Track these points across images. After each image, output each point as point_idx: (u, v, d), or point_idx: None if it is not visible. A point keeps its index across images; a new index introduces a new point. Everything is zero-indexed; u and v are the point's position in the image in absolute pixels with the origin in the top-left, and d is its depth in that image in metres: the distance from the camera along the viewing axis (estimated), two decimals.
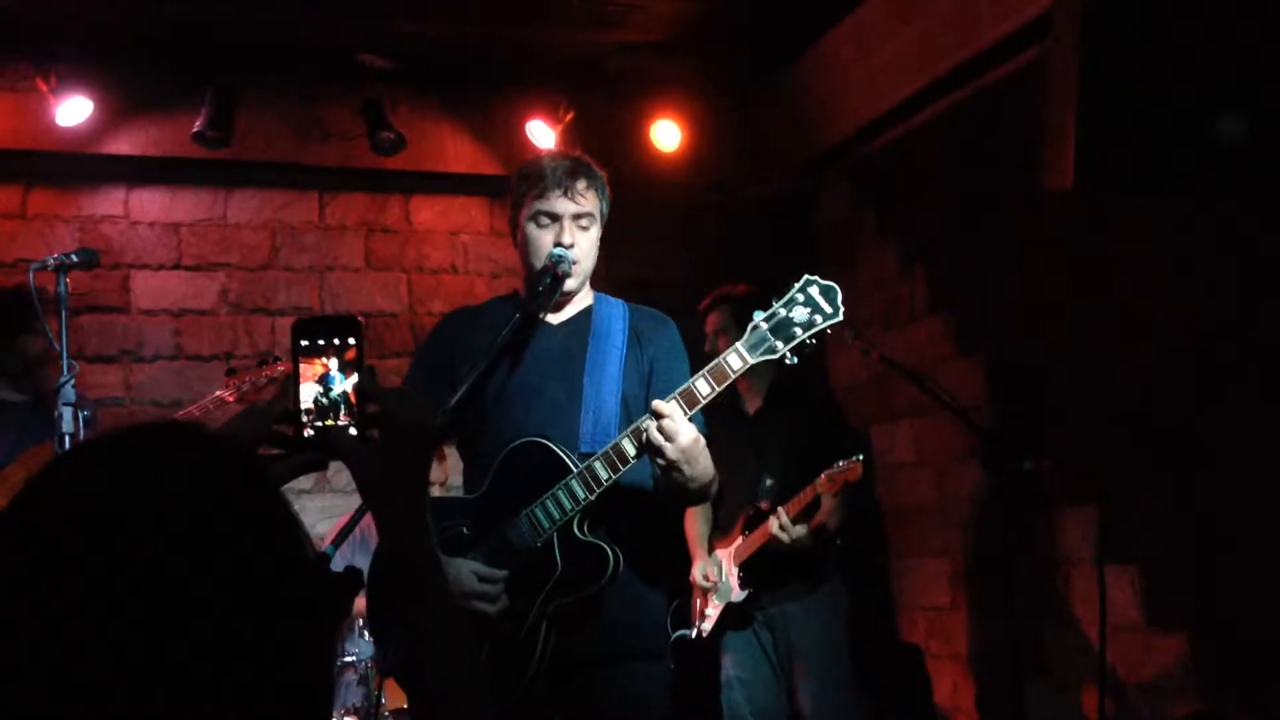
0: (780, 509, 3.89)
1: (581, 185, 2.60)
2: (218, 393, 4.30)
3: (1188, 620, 3.83)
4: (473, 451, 2.67)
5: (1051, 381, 4.42)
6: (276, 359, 4.40)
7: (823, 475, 3.83)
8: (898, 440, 5.29)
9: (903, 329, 5.35)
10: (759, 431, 4.22)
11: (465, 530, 2.52)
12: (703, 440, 2.36)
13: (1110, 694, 3.74)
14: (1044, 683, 4.43)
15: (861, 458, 3.81)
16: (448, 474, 4.38)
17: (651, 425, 2.30)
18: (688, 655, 4.10)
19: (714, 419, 4.40)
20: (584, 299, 2.72)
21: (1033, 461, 4.14)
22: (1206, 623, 3.76)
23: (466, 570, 2.42)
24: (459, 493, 2.78)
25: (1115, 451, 4.04)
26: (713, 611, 4.11)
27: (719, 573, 4.13)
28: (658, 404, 2.31)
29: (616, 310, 2.70)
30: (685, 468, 2.32)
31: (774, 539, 3.87)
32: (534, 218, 2.59)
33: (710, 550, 4.22)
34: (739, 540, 4.11)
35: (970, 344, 4.97)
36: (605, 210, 2.68)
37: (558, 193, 2.57)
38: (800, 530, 3.88)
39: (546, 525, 2.42)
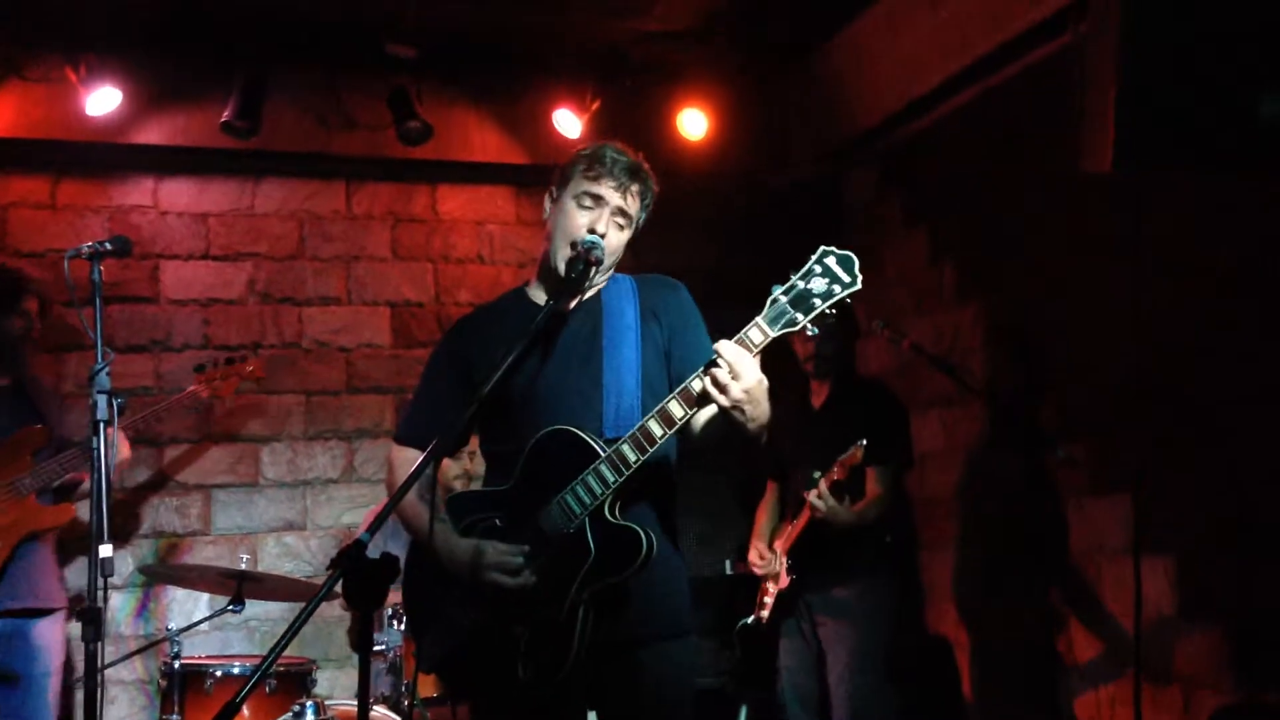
0: (821, 479, 4.03)
1: (635, 187, 2.63)
2: (190, 388, 4.44)
3: (1223, 611, 3.79)
4: (499, 448, 2.67)
5: (1085, 369, 4.37)
6: (244, 359, 4.53)
7: (835, 464, 4.00)
8: (926, 429, 5.24)
9: (932, 317, 5.31)
10: (820, 427, 4.31)
11: (498, 522, 2.54)
12: (766, 382, 2.35)
13: (1144, 686, 3.69)
14: (1076, 674, 4.39)
15: (865, 442, 3.94)
16: (473, 469, 4.38)
17: (720, 368, 2.29)
18: (751, 641, 4.35)
19: (783, 412, 4.56)
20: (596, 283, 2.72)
21: (1065, 449, 4.11)
22: (1243, 614, 3.71)
23: (488, 545, 2.46)
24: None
25: (1149, 439, 3.99)
26: (770, 600, 4.30)
27: (774, 561, 4.29)
28: (722, 345, 2.31)
29: (625, 287, 2.70)
30: (748, 408, 2.32)
31: (813, 509, 4.03)
32: (578, 197, 2.61)
33: (770, 543, 4.40)
34: (788, 529, 4.29)
35: (1000, 332, 4.92)
36: (641, 220, 2.71)
37: (611, 183, 2.59)
38: (837, 504, 4.01)
39: (578, 511, 2.43)
